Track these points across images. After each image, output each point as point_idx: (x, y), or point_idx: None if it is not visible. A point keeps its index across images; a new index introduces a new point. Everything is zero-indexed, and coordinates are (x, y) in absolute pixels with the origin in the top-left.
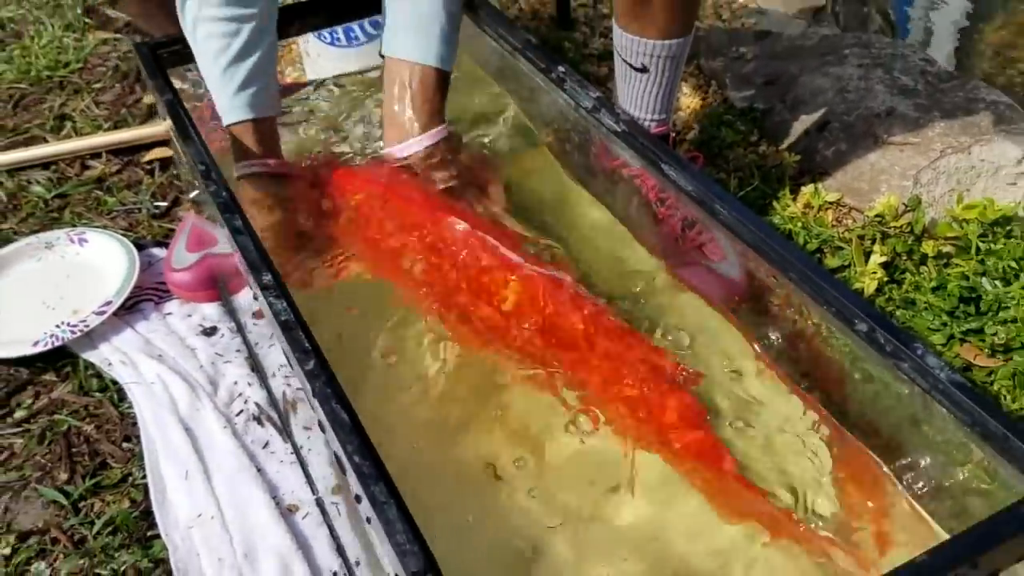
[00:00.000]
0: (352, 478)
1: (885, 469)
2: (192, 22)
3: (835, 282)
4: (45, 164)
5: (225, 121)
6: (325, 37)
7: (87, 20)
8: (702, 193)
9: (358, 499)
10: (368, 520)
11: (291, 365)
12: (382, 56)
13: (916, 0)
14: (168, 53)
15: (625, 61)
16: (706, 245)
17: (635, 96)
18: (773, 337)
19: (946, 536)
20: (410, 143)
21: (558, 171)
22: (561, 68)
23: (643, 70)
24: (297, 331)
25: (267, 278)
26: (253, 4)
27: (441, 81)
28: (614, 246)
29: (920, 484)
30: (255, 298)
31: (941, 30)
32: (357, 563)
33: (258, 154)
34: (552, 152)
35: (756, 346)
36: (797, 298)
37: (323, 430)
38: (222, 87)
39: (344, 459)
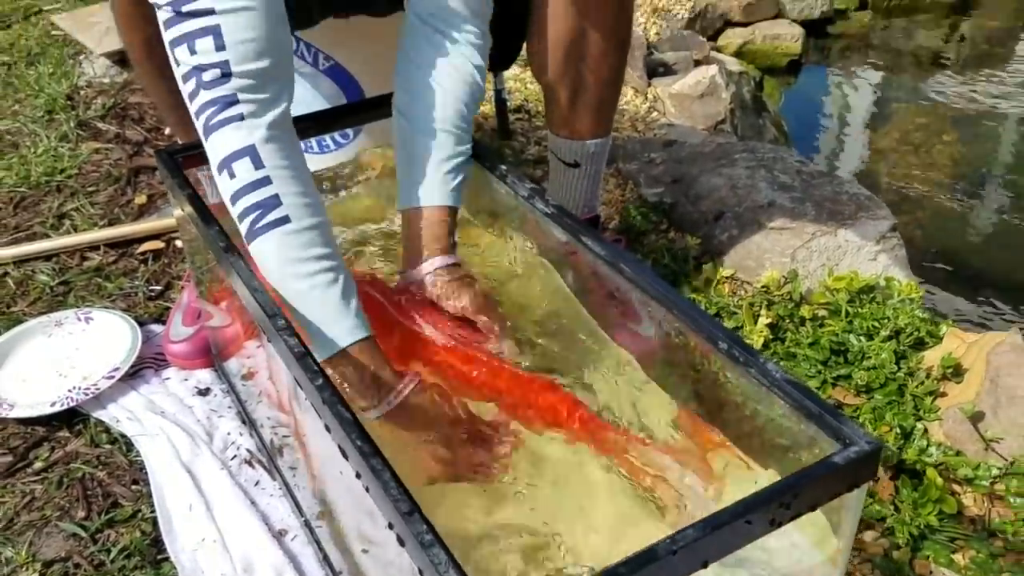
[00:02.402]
0: (353, 455)
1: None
2: (279, 271)
3: (709, 318)
4: (48, 256)
5: (349, 341)
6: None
7: (80, 132)
8: (622, 264)
9: (358, 475)
10: (358, 475)
11: (300, 387)
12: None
13: (803, 115)
14: (183, 157)
15: (560, 159)
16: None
17: (569, 189)
18: (667, 362)
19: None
20: (418, 270)
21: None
22: (503, 166)
23: (575, 165)
24: (307, 359)
25: (282, 322)
26: (328, 244)
27: (450, 214)
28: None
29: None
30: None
31: (824, 137)
32: (340, 572)
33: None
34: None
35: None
36: (682, 330)
37: (328, 431)
38: (338, 315)
39: (351, 448)
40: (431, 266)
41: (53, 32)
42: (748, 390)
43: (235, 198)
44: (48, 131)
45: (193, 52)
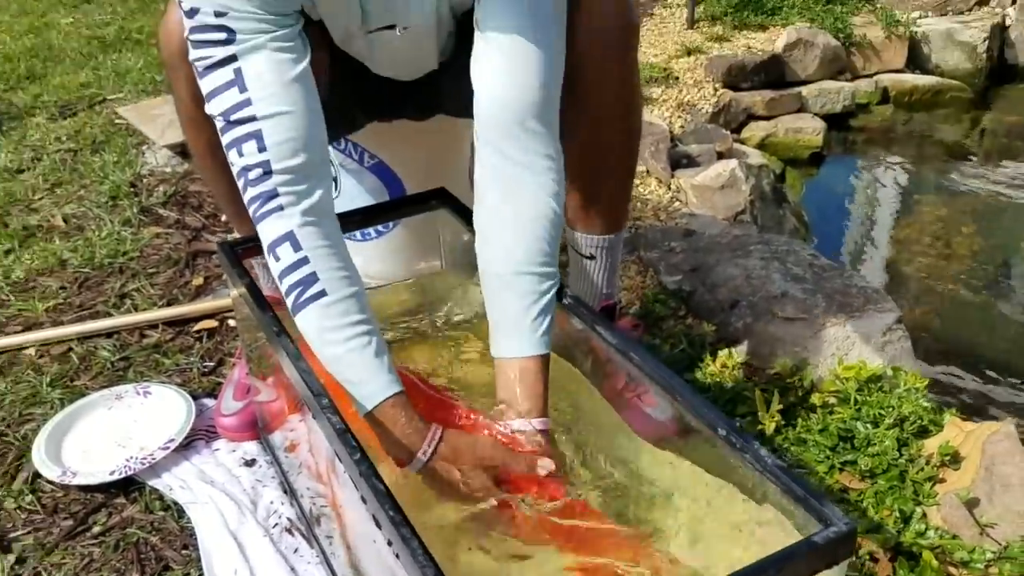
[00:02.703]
0: (386, 524)
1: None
2: (319, 339)
3: (709, 406)
4: (109, 333)
5: (382, 398)
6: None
7: (142, 217)
8: (634, 354)
9: (389, 543)
10: (389, 543)
11: (340, 460)
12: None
13: (824, 205)
14: (241, 248)
15: (577, 252)
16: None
17: (587, 278)
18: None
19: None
20: (506, 425)
21: None
22: None
23: (591, 257)
24: (346, 435)
25: (325, 401)
26: (362, 311)
27: (541, 362)
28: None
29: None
30: (311, 417)
31: (844, 227)
32: None
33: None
34: None
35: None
36: (686, 415)
37: (364, 501)
38: (373, 373)
39: (384, 518)
40: (520, 427)
41: (116, 121)
42: (743, 474)
43: (281, 277)
44: (112, 216)
45: (241, 155)
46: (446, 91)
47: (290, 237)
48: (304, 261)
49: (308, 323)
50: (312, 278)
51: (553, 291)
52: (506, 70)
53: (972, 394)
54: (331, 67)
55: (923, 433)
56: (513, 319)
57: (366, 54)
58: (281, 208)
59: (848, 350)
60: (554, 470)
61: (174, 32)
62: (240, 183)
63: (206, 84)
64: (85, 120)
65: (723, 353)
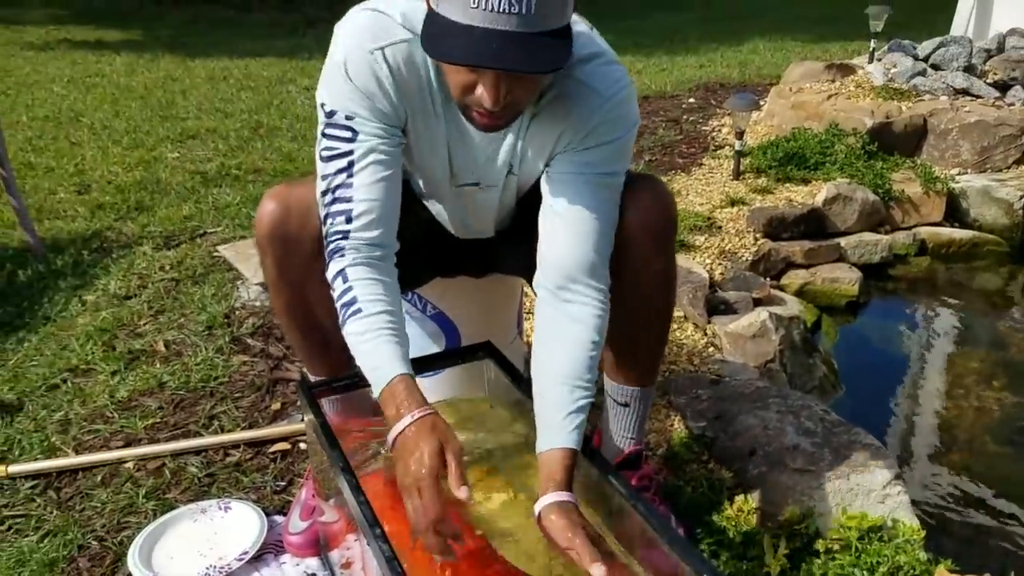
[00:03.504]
0: None
1: None
2: (355, 344)
3: (704, 561)
4: (198, 451)
5: (389, 378)
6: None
7: (232, 346)
8: (654, 520)
9: None
10: None
11: None
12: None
13: (856, 354)
14: (316, 389)
15: (613, 399)
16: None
17: (619, 422)
18: None
19: None
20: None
21: None
22: None
23: (625, 405)
24: (394, 562)
25: (379, 530)
26: (388, 322)
27: (570, 455)
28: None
29: None
30: (366, 545)
31: (874, 376)
32: None
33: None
34: None
35: None
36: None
37: None
38: (388, 361)
39: None
40: (543, 502)
41: (215, 254)
42: None
43: (336, 302)
44: (207, 343)
45: (333, 222)
46: (501, 254)
47: (342, 273)
48: (349, 289)
49: (348, 333)
50: (353, 300)
51: (587, 402)
52: (566, 240)
53: (978, 544)
54: (405, 230)
55: None
56: (548, 420)
57: (445, 207)
58: (344, 254)
59: (851, 501)
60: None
61: (264, 222)
62: (325, 240)
63: (324, 168)
64: (187, 251)
65: (739, 498)
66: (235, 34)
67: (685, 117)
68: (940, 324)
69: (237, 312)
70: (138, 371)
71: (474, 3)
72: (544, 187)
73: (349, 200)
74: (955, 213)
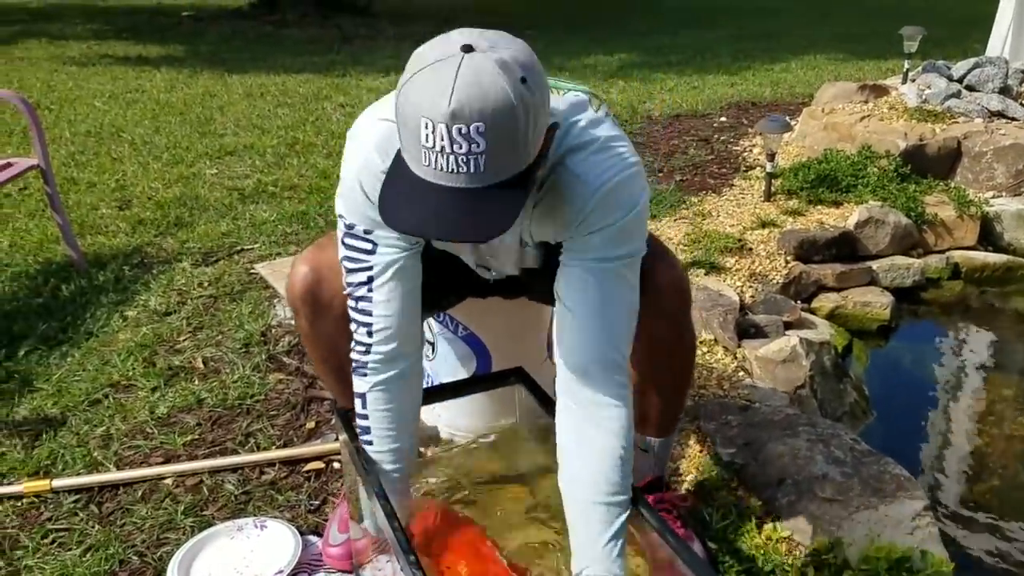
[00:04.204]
0: None
1: None
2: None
3: None
4: (235, 469)
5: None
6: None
7: (268, 364)
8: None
9: None
10: None
11: None
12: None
13: (887, 378)
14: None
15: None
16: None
17: (640, 464)
18: None
19: None
20: None
21: None
22: None
23: (645, 450)
24: None
25: (412, 558)
26: (393, 460)
27: None
28: None
29: None
30: (398, 564)
31: (905, 400)
32: None
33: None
34: None
35: None
36: None
37: None
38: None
39: None
40: None
41: (251, 271)
42: None
43: (356, 415)
44: (244, 361)
45: (356, 332)
46: (527, 283)
47: (362, 397)
48: (364, 417)
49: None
50: (367, 430)
51: (623, 518)
52: (580, 339)
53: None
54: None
55: None
56: (588, 546)
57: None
58: (365, 374)
59: (880, 531)
60: None
61: (297, 287)
62: (351, 347)
63: (347, 276)
64: (224, 268)
65: (768, 527)
66: (272, 50)
67: (716, 136)
68: (972, 349)
69: (273, 330)
70: (177, 387)
71: (425, 161)
72: (556, 285)
73: (369, 314)
74: (989, 237)
